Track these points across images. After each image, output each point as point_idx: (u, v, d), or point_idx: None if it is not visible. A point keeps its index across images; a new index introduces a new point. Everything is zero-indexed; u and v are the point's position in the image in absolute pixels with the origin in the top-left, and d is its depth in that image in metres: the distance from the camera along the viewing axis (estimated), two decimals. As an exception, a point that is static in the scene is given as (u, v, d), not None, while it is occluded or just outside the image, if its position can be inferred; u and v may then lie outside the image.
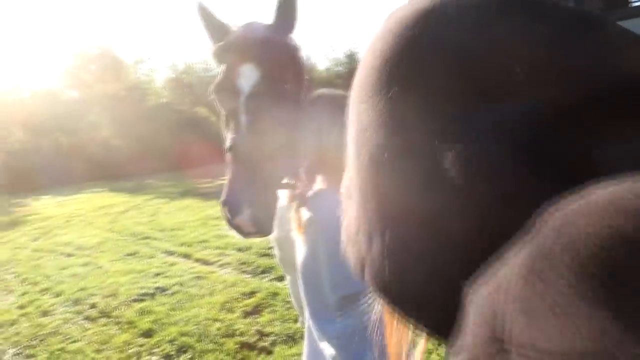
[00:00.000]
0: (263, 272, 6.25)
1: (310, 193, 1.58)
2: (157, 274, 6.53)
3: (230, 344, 4.15)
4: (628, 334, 0.21)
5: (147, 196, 16.94)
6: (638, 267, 0.22)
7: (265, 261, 6.52)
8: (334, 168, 1.55)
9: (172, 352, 4.16)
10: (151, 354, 4.20)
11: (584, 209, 0.26)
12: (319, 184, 1.56)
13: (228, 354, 4.00)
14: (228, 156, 1.71)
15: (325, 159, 1.52)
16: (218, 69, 1.85)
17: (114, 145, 31.16)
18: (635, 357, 0.21)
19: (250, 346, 4.14)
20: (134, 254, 8.01)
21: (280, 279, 5.51)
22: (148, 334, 4.58)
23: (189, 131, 33.14)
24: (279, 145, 1.66)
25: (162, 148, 30.26)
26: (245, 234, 1.67)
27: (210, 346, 4.16)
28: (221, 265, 6.82)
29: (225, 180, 1.74)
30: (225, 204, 1.65)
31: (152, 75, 47.03)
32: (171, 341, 4.34)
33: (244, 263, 6.72)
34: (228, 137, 1.74)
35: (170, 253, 7.86)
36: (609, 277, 0.23)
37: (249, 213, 1.59)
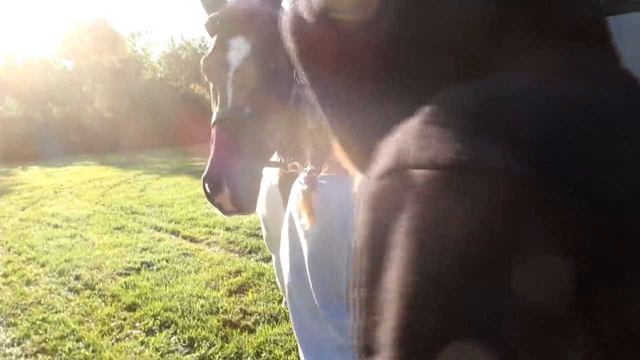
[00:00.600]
0: (250, 251, 6.25)
1: (321, 177, 1.51)
2: (144, 249, 6.50)
3: (214, 321, 4.15)
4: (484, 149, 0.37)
5: (138, 171, 16.83)
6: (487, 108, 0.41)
7: (253, 241, 6.52)
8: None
9: (155, 327, 4.15)
10: (134, 327, 4.19)
11: (457, 92, 0.44)
12: (328, 167, 1.49)
13: (211, 331, 4.01)
14: (213, 131, 1.66)
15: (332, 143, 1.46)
16: (211, 42, 1.80)
17: (106, 118, 30.84)
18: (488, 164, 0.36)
19: (233, 324, 4.14)
20: (122, 228, 7.97)
21: (267, 259, 5.51)
22: (132, 307, 4.57)
23: (183, 108, 32.86)
24: (265, 122, 1.62)
25: (156, 124, 30.00)
26: (226, 212, 1.63)
27: (194, 322, 4.16)
28: (209, 244, 6.80)
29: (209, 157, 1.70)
30: (205, 180, 1.61)
31: (148, 50, 46.50)
32: (154, 316, 4.33)
33: (231, 242, 6.71)
34: (214, 112, 1.69)
35: (158, 229, 7.83)
36: (472, 117, 0.40)
37: (229, 192, 1.56)
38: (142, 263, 5.87)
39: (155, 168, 17.78)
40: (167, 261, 5.92)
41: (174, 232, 7.52)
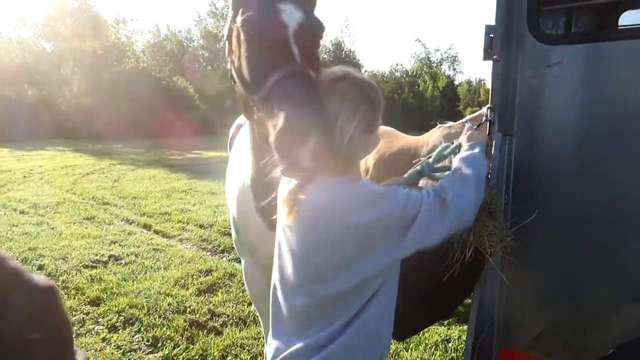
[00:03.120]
0: (223, 250, 6.16)
1: (309, 179, 1.45)
2: (113, 242, 6.34)
3: (180, 321, 4.06)
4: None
5: (112, 161, 16.47)
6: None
7: (226, 240, 6.43)
8: (346, 159, 1.47)
9: (118, 324, 4.03)
10: (96, 323, 4.06)
11: None
12: (320, 170, 1.43)
13: (176, 331, 3.91)
14: (288, 82, 1.49)
15: (337, 149, 1.42)
16: (244, 3, 1.72)
17: (84, 104, 30.13)
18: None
19: (199, 325, 4.05)
20: (92, 218, 7.77)
21: (240, 259, 5.43)
22: (95, 302, 4.44)
23: (164, 100, 32.38)
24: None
25: (135, 113, 29.44)
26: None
27: (159, 321, 4.06)
28: (181, 240, 6.68)
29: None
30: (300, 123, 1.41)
31: (132, 38, 45.76)
32: (119, 312, 4.21)
33: (204, 240, 6.61)
34: (274, 67, 1.54)
35: (130, 222, 7.66)
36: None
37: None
38: (110, 256, 5.72)
39: (131, 159, 17.42)
40: (136, 256, 5.77)
41: (146, 226, 7.36)
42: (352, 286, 1.44)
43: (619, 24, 3.51)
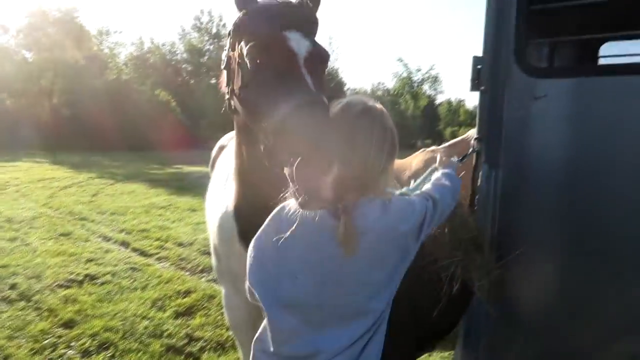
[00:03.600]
0: (202, 270, 6.04)
1: (353, 203, 1.46)
2: (90, 260, 6.17)
3: (156, 346, 3.93)
4: None
5: (91, 174, 16.19)
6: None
7: (206, 260, 6.30)
8: (370, 183, 1.50)
9: (92, 348, 3.88)
10: (69, 347, 3.91)
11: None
12: (353, 194, 1.46)
13: (152, 356, 3.78)
14: (306, 112, 1.45)
15: (363, 173, 1.46)
16: (246, 32, 1.70)
17: (64, 115, 29.73)
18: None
19: (177, 350, 3.93)
20: (68, 234, 7.56)
21: (219, 280, 5.32)
22: (69, 324, 4.28)
23: (146, 113, 32.13)
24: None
25: (115, 126, 29.12)
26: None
27: (134, 345, 3.92)
28: (159, 259, 6.53)
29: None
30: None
31: (115, 50, 45.46)
32: (93, 335, 4.06)
33: (183, 259, 6.48)
34: (288, 94, 1.50)
35: (107, 238, 7.48)
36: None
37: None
38: (85, 275, 5.55)
39: (110, 172, 17.15)
40: (112, 275, 5.62)
41: (124, 244, 7.19)
42: (394, 291, 1.62)
43: (599, 54, 3.58)
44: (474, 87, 2.10)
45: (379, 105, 1.58)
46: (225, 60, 1.84)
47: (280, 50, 1.59)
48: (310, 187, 1.34)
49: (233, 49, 1.77)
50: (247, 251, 2.19)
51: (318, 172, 1.33)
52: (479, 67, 2.06)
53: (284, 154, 1.43)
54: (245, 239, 2.19)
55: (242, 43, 1.67)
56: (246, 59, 1.63)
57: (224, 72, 1.85)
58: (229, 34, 1.81)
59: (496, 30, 2.02)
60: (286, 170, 1.41)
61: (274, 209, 1.67)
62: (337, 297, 1.55)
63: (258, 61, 1.61)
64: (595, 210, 1.86)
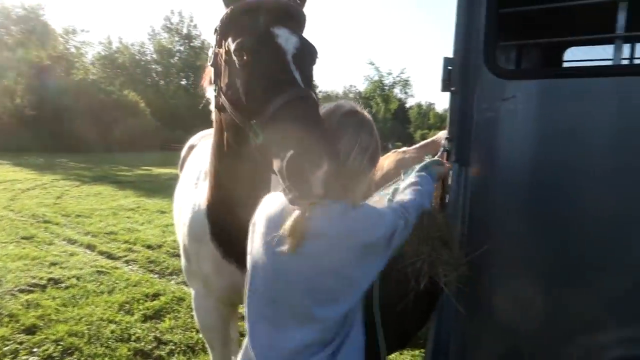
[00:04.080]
0: (172, 273, 5.93)
1: (318, 203, 1.43)
2: (53, 264, 5.97)
3: (124, 350, 3.83)
4: None
5: (56, 176, 15.70)
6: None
7: (175, 262, 6.19)
8: (348, 184, 1.50)
9: (56, 354, 3.75)
10: (31, 353, 3.76)
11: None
12: (328, 196, 1.41)
13: (119, 361, 3.69)
14: (297, 106, 1.45)
15: (347, 177, 1.48)
16: (234, 28, 1.68)
17: (27, 116, 28.76)
18: None
19: (145, 354, 3.84)
20: (30, 238, 7.31)
21: (189, 283, 5.23)
22: (31, 330, 4.12)
23: (114, 114, 31.43)
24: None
25: (82, 126, 28.36)
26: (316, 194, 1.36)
27: (101, 350, 3.81)
28: (127, 261, 6.38)
29: (292, 134, 1.38)
30: (330, 153, 1.35)
31: (82, 49, 44.35)
32: (57, 341, 3.92)
33: (152, 261, 6.34)
34: (278, 90, 1.49)
35: (72, 241, 7.26)
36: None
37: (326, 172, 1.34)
38: (49, 279, 5.37)
39: (76, 174, 16.68)
40: (78, 279, 5.45)
41: (90, 247, 6.99)
42: (357, 302, 1.57)
43: (564, 58, 3.69)
44: (445, 88, 2.13)
45: (367, 114, 1.63)
46: (212, 57, 1.81)
47: (268, 47, 1.58)
48: (301, 183, 1.32)
49: (220, 46, 1.74)
50: (219, 251, 2.16)
51: (309, 167, 1.30)
52: (449, 68, 2.09)
53: (274, 149, 1.41)
54: (217, 238, 2.17)
55: (230, 40, 1.65)
56: (234, 56, 1.61)
57: (211, 69, 1.81)
58: (216, 30, 1.78)
59: (466, 33, 2.05)
60: (276, 166, 1.39)
61: (247, 208, 1.67)
62: (288, 296, 1.53)
63: (245, 58, 1.59)
64: (562, 208, 1.91)
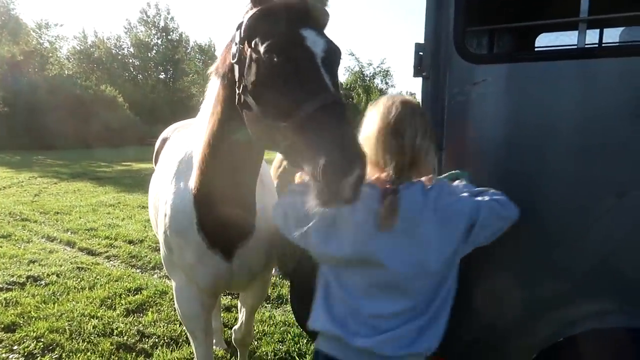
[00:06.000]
0: (154, 267, 5.91)
1: (399, 185, 1.63)
2: (32, 261, 5.90)
3: (106, 344, 3.81)
4: None
5: (33, 173, 15.42)
6: None
7: (158, 256, 6.16)
8: (421, 166, 1.71)
9: (37, 351, 3.72)
10: (11, 351, 3.73)
11: None
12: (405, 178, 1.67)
13: (102, 355, 3.67)
14: (329, 112, 1.46)
15: (414, 156, 1.67)
16: (262, 28, 1.65)
17: (1, 113, 28.12)
18: None
19: (128, 348, 3.83)
20: (8, 236, 7.19)
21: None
22: (11, 328, 4.08)
23: (91, 109, 30.90)
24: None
25: (58, 123, 27.83)
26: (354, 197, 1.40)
27: (83, 345, 3.79)
28: (108, 257, 6.33)
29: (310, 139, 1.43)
30: (360, 158, 1.38)
31: (56, 44, 43.38)
32: (37, 338, 3.89)
33: (134, 256, 6.30)
34: (310, 94, 1.50)
35: (51, 239, 7.17)
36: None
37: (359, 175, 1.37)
38: (28, 277, 5.30)
39: (54, 171, 16.40)
40: (58, 275, 5.40)
41: (70, 243, 6.92)
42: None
43: (535, 44, 3.76)
44: (417, 73, 2.16)
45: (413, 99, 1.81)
46: (237, 53, 1.75)
47: (299, 50, 1.58)
48: (336, 186, 1.35)
49: (245, 44, 1.71)
50: (205, 241, 2.16)
51: (345, 172, 1.33)
52: (420, 53, 2.12)
53: (307, 153, 1.43)
54: (204, 228, 2.17)
55: (258, 39, 1.64)
56: (263, 57, 1.60)
57: (235, 66, 1.77)
58: (240, 26, 1.74)
59: (436, 18, 2.08)
60: (309, 169, 1.41)
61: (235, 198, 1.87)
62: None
63: (276, 60, 1.58)
64: (534, 187, 1.97)
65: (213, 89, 2.01)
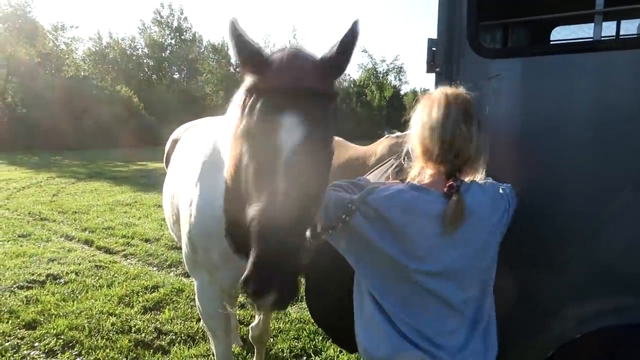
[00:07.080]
0: (170, 265, 5.97)
1: (461, 184, 1.64)
2: (52, 260, 6.00)
3: (124, 341, 3.87)
4: None
5: (51, 174, 15.66)
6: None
7: (174, 254, 6.23)
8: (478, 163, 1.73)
9: (57, 348, 3.80)
10: (32, 348, 3.81)
11: None
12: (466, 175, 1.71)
13: (120, 352, 3.73)
14: (261, 217, 1.39)
15: (474, 155, 1.69)
16: (249, 100, 1.54)
17: (19, 115, 28.57)
18: None
19: (146, 344, 3.89)
20: (28, 235, 7.33)
21: (188, 274, 5.26)
22: (32, 325, 4.16)
23: (107, 110, 31.25)
24: (313, 209, 1.53)
25: (76, 124, 28.21)
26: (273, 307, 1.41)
27: (102, 342, 3.86)
28: (125, 255, 6.42)
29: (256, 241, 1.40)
30: (254, 283, 1.36)
31: (72, 45, 43.91)
32: (57, 335, 3.97)
33: (150, 255, 6.38)
34: (257, 192, 1.43)
35: (70, 238, 7.28)
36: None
37: (277, 296, 1.35)
38: (47, 275, 5.40)
39: (72, 171, 16.65)
40: (76, 274, 5.49)
41: (88, 242, 7.02)
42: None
43: (551, 38, 3.71)
44: (430, 69, 2.15)
45: (465, 92, 1.75)
46: (241, 102, 1.66)
47: (268, 139, 1.45)
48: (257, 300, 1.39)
49: (242, 101, 1.63)
50: (231, 247, 2.14)
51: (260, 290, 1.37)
52: (433, 49, 2.11)
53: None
54: (231, 235, 2.14)
55: (246, 112, 1.56)
56: (244, 127, 1.55)
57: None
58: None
59: (449, 13, 2.07)
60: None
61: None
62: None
63: (247, 142, 1.52)
64: (547, 184, 1.95)
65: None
